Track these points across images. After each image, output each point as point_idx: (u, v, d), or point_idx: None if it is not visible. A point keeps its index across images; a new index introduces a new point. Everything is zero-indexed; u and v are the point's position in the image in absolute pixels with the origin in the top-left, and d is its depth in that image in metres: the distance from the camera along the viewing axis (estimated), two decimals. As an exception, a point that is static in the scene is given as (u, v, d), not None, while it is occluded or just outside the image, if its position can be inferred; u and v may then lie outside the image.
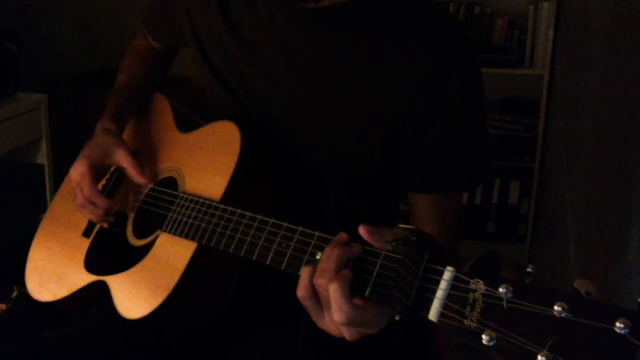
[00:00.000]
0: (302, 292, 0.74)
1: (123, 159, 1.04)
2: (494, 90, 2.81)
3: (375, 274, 0.70)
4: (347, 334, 0.73)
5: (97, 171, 1.05)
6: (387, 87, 0.94)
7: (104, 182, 1.10)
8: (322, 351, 0.94)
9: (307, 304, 0.74)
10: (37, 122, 2.37)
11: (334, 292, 0.69)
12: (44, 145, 2.40)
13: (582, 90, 2.05)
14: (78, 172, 1.04)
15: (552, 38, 2.60)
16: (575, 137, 2.10)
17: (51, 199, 2.41)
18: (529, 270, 0.61)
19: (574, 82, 2.28)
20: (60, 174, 2.36)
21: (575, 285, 0.57)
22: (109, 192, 1.09)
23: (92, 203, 1.04)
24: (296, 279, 0.77)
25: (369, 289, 0.70)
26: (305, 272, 0.74)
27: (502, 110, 2.79)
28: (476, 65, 0.97)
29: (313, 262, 0.77)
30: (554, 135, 2.58)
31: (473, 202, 2.79)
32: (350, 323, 0.70)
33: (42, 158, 2.42)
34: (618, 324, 0.52)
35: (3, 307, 1.86)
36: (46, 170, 2.42)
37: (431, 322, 1.08)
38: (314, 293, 0.74)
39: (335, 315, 0.69)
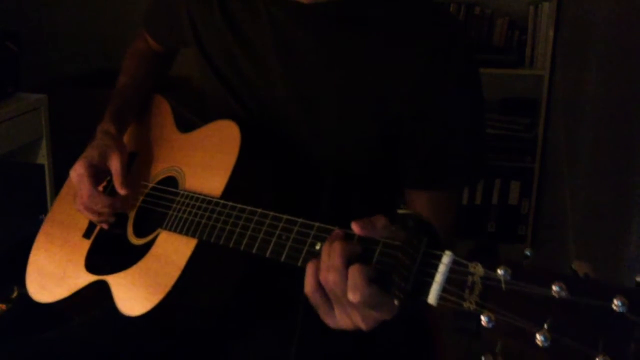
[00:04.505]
0: (308, 287, 0.74)
1: (113, 165, 1.06)
2: (494, 90, 2.81)
3: (374, 260, 0.70)
4: (362, 322, 0.72)
5: (96, 171, 1.06)
6: (385, 84, 0.94)
7: (105, 183, 1.11)
8: (319, 350, 0.94)
9: (316, 298, 0.74)
10: (37, 122, 2.37)
11: (353, 274, 0.69)
12: (44, 145, 2.40)
13: (582, 90, 2.05)
14: (76, 172, 1.05)
15: (552, 38, 2.60)
16: (575, 137, 2.10)
17: (51, 199, 2.42)
18: (527, 253, 0.61)
19: (574, 82, 2.28)
20: (60, 174, 2.36)
21: (573, 266, 0.57)
22: (110, 193, 1.09)
23: (92, 202, 1.04)
24: (294, 274, 0.77)
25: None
26: (309, 269, 0.74)
27: (502, 110, 2.79)
28: (473, 64, 0.98)
29: (312, 253, 0.77)
30: (554, 135, 2.58)
31: (473, 202, 2.79)
32: (364, 302, 0.69)
33: (42, 158, 2.42)
34: (615, 302, 0.52)
35: (3, 307, 1.86)
36: (46, 170, 2.42)
37: (431, 321, 1.08)
38: (321, 287, 0.73)
39: (350, 296, 0.69)
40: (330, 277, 0.71)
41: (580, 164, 1.99)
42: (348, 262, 0.70)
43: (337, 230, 0.75)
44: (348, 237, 0.74)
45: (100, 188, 1.09)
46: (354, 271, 0.69)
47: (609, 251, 1.52)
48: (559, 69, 2.58)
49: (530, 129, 2.76)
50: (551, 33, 2.60)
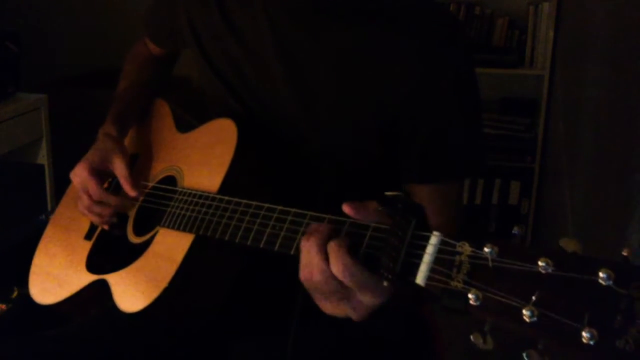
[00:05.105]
0: (302, 273, 0.74)
1: (118, 168, 1.06)
2: (494, 90, 2.81)
3: (364, 244, 0.71)
4: (352, 311, 0.73)
5: (99, 174, 1.07)
6: (384, 82, 0.94)
7: (106, 185, 1.12)
8: (316, 349, 0.94)
9: (308, 286, 0.75)
10: (37, 122, 2.38)
11: (332, 250, 0.70)
12: (44, 145, 2.41)
13: (582, 90, 2.05)
14: (79, 176, 1.06)
15: (552, 38, 2.60)
16: (575, 137, 2.11)
17: (51, 199, 2.42)
18: (514, 232, 0.62)
19: (574, 82, 2.28)
20: (60, 174, 2.36)
21: (561, 244, 0.57)
22: (112, 194, 1.10)
23: (101, 202, 1.05)
24: (292, 274, 0.77)
25: (359, 257, 0.71)
26: (303, 252, 0.75)
27: (502, 110, 2.79)
28: (471, 63, 0.98)
29: None
30: (554, 135, 2.58)
31: (473, 202, 2.79)
32: (351, 277, 0.70)
33: (42, 158, 2.42)
34: (601, 275, 0.52)
35: (3, 307, 1.86)
36: (46, 170, 2.43)
37: (431, 321, 1.08)
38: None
39: (334, 269, 0.70)
40: (315, 276, 0.72)
41: (580, 164, 1.99)
42: (326, 253, 0.71)
43: (313, 225, 0.76)
44: (339, 223, 0.75)
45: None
46: (332, 246, 0.70)
47: (609, 251, 1.52)
48: (559, 69, 2.58)
49: (530, 129, 2.76)
50: (551, 33, 2.60)
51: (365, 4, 0.96)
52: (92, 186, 1.05)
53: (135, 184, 1.05)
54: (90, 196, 1.06)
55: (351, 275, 0.70)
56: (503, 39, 2.74)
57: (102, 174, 1.07)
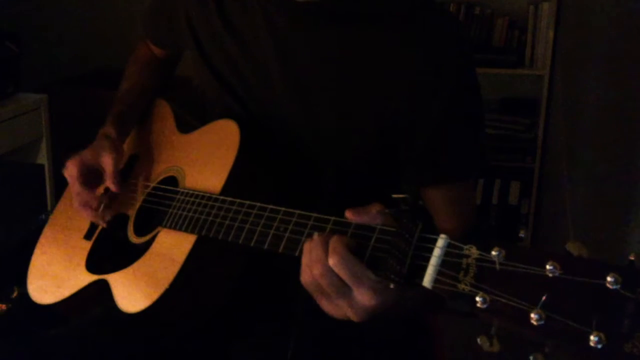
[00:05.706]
0: (303, 274, 0.75)
1: (106, 164, 1.06)
2: (494, 90, 2.81)
3: (370, 246, 0.72)
4: (352, 312, 0.73)
5: (89, 171, 1.07)
6: (383, 83, 0.94)
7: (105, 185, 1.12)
8: (317, 349, 0.94)
9: (309, 284, 0.75)
10: (37, 122, 2.38)
11: (332, 242, 0.71)
12: (44, 145, 2.41)
13: (582, 90, 2.05)
14: (68, 172, 1.07)
15: (552, 38, 2.60)
16: (575, 137, 2.11)
17: (51, 199, 2.42)
18: (521, 235, 0.62)
19: (574, 82, 2.28)
20: (60, 174, 2.36)
21: (568, 248, 0.57)
22: (110, 195, 1.10)
23: (81, 199, 1.06)
24: (293, 274, 0.77)
25: (365, 259, 0.72)
26: (305, 252, 0.75)
27: (502, 110, 2.79)
28: (469, 60, 0.98)
29: None
30: (554, 135, 2.58)
31: (473, 202, 2.78)
32: (348, 270, 0.70)
33: (42, 158, 2.42)
34: (609, 279, 0.52)
35: (3, 307, 1.86)
36: (46, 170, 2.43)
37: (431, 322, 1.08)
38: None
39: (331, 260, 0.71)
40: (314, 269, 0.72)
41: (580, 164, 1.99)
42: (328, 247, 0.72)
43: (315, 235, 0.76)
44: (344, 225, 0.75)
45: (102, 189, 1.09)
46: (332, 240, 0.71)
47: (609, 252, 1.52)
48: (559, 69, 2.58)
49: (530, 129, 2.75)
50: (551, 33, 2.60)
51: (365, 5, 0.96)
52: (75, 182, 1.05)
53: (116, 180, 1.05)
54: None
55: (348, 268, 0.70)
56: (503, 39, 2.74)
57: (93, 171, 1.08)
